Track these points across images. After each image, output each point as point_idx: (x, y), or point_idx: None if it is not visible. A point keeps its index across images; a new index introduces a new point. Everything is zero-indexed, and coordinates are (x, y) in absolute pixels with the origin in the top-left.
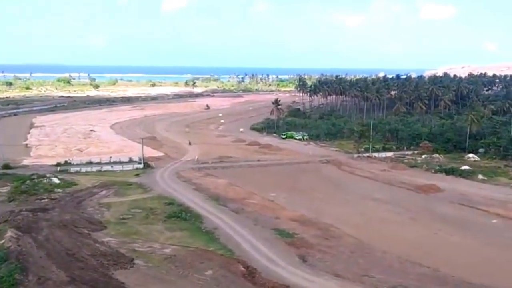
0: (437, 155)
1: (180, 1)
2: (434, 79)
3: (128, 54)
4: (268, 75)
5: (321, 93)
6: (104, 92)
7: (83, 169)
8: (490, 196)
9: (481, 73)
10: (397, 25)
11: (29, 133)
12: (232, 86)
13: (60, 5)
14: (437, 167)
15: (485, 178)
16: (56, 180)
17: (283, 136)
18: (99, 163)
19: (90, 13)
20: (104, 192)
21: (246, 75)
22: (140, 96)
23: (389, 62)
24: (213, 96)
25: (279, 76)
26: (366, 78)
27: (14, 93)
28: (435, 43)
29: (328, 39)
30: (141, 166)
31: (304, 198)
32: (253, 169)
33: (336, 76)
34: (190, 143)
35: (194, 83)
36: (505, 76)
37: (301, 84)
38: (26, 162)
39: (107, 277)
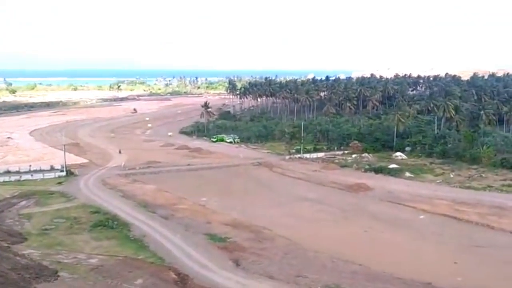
0: (367, 154)
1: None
2: (362, 80)
3: (48, 57)
4: (196, 78)
5: (251, 95)
6: (22, 97)
7: (0, 179)
8: (417, 193)
9: (406, 74)
10: (325, 27)
11: None
12: (159, 89)
13: None
14: (367, 166)
15: (412, 176)
16: None
17: (214, 140)
18: (18, 172)
19: (5, 14)
20: (24, 202)
21: (173, 77)
22: (61, 101)
23: (318, 64)
24: (139, 99)
25: (208, 79)
26: (295, 80)
27: None
28: (362, 44)
29: (257, 41)
30: (64, 174)
31: (236, 202)
32: (183, 173)
33: (266, 78)
34: (120, 152)
35: (119, 86)
36: (429, 76)
37: (231, 87)
38: None
39: None
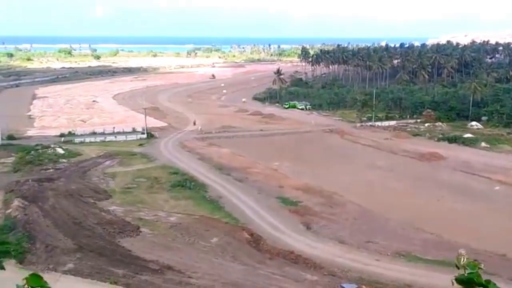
0: (440, 123)
1: None
2: (437, 48)
3: (129, 24)
4: (269, 45)
5: (323, 63)
6: (105, 62)
7: (87, 140)
8: (492, 163)
9: (484, 41)
10: None
11: (32, 104)
12: (234, 56)
13: None
14: (440, 135)
15: (488, 146)
16: (60, 151)
17: (286, 106)
18: (102, 134)
19: None
20: (108, 162)
21: (247, 44)
22: (141, 67)
23: (391, 31)
24: (214, 66)
25: (281, 46)
26: (368, 47)
27: (15, 64)
28: (438, 10)
29: (329, 8)
30: (145, 136)
31: (307, 167)
32: (256, 138)
33: (338, 46)
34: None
35: (196, 53)
36: (509, 43)
37: (304, 54)
38: (30, 133)
39: (114, 245)
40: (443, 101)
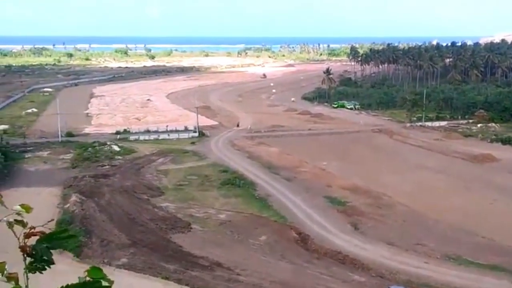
0: (493, 124)
1: None
2: (490, 46)
3: (183, 25)
4: (319, 44)
5: (373, 62)
6: (159, 62)
7: (141, 137)
8: None
9: None
10: None
11: (89, 102)
12: (283, 55)
13: None
14: (493, 136)
15: None
16: (116, 148)
17: (335, 106)
18: (156, 132)
19: None
20: (161, 159)
21: (297, 44)
22: (194, 67)
23: (442, 30)
24: (264, 66)
25: (330, 45)
26: (419, 46)
27: (74, 64)
28: (491, 7)
29: (379, 7)
30: (196, 134)
31: (356, 167)
32: (304, 138)
33: (388, 45)
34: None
35: (246, 53)
36: None
37: (353, 53)
38: (87, 130)
39: (166, 240)
40: (496, 101)
